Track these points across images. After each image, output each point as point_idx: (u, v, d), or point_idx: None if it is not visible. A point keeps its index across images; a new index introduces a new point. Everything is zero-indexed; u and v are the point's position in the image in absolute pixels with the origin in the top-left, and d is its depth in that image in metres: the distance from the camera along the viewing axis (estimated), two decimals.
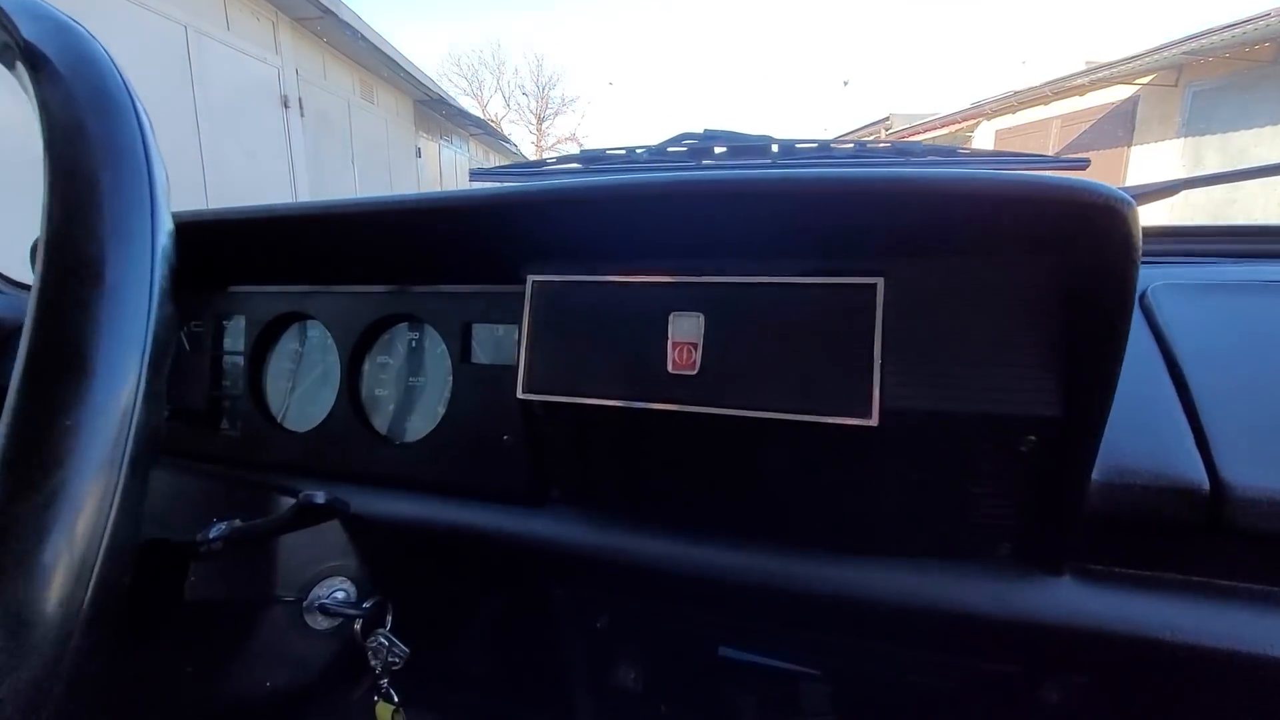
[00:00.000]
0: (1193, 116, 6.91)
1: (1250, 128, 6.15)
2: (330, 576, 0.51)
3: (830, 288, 0.43)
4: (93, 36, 0.26)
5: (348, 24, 6.84)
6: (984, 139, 9.83)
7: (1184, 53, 6.24)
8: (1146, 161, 7.27)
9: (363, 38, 7.22)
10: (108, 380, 0.19)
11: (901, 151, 0.61)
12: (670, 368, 0.47)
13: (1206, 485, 0.39)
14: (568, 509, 0.56)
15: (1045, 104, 8.55)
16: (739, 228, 0.45)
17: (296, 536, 0.49)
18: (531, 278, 0.52)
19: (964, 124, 10.01)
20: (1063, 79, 7.80)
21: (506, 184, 0.51)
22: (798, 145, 0.64)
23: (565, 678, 0.63)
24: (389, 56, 7.97)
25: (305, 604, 0.48)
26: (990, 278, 0.41)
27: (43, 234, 0.21)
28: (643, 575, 0.53)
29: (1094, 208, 0.33)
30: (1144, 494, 0.40)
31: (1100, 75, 7.25)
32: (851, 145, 0.63)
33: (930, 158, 0.60)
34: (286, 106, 6.78)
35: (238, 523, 0.40)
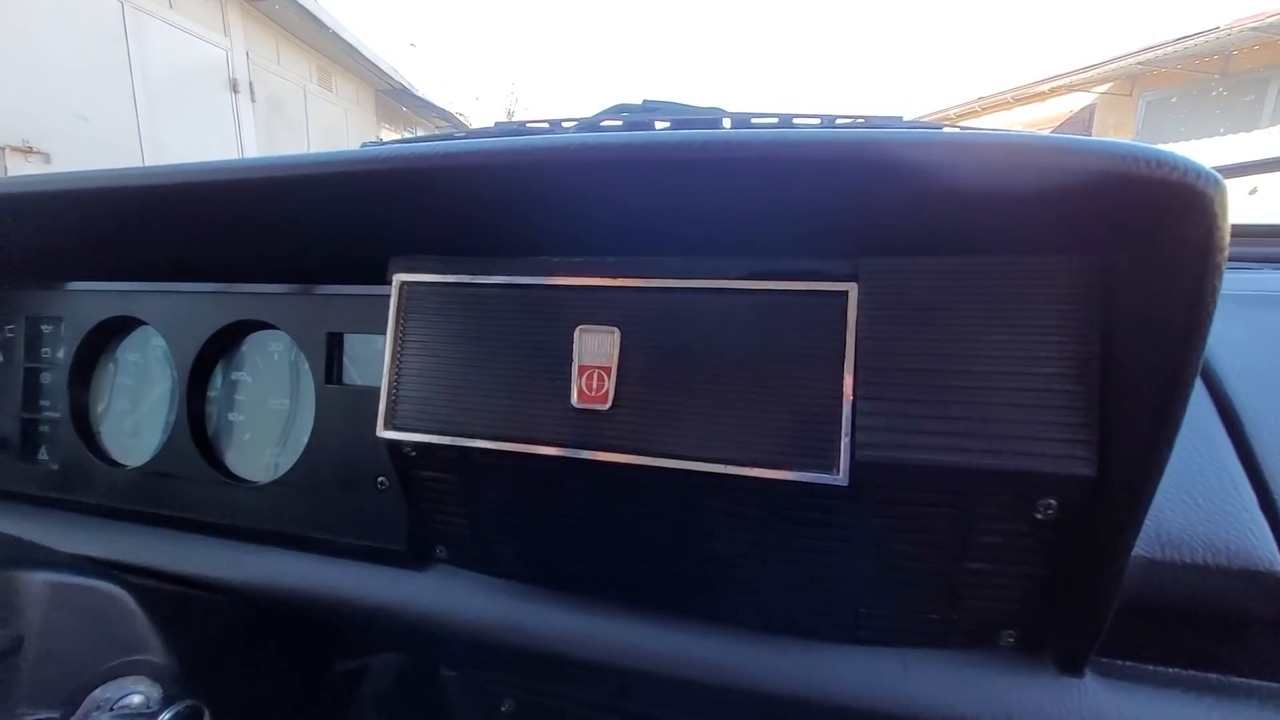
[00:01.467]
0: (1146, 125, 7.12)
1: (1199, 137, 6.33)
2: (121, 676, 0.37)
3: (787, 295, 0.32)
4: None
5: (302, 6, 6.54)
6: None
7: (1138, 63, 6.40)
8: None
9: (319, 21, 6.91)
10: None
11: (878, 125, 0.50)
12: (575, 400, 0.35)
13: (1273, 561, 0.29)
14: (454, 570, 0.44)
15: (1008, 109, 8.70)
16: (669, 213, 0.34)
17: (68, 619, 0.36)
18: (399, 277, 0.39)
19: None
20: (1024, 85, 7.94)
21: (380, 152, 0.38)
22: (753, 119, 0.53)
23: None
24: (348, 43, 7.66)
25: (74, 719, 0.34)
26: (1002, 285, 0.30)
27: None
28: (547, 655, 0.41)
29: (1166, 186, 0.23)
30: (1197, 576, 0.30)
31: (1059, 82, 7.40)
32: (818, 119, 0.53)
33: (913, 130, 0.49)
34: (236, 91, 6.45)
35: None
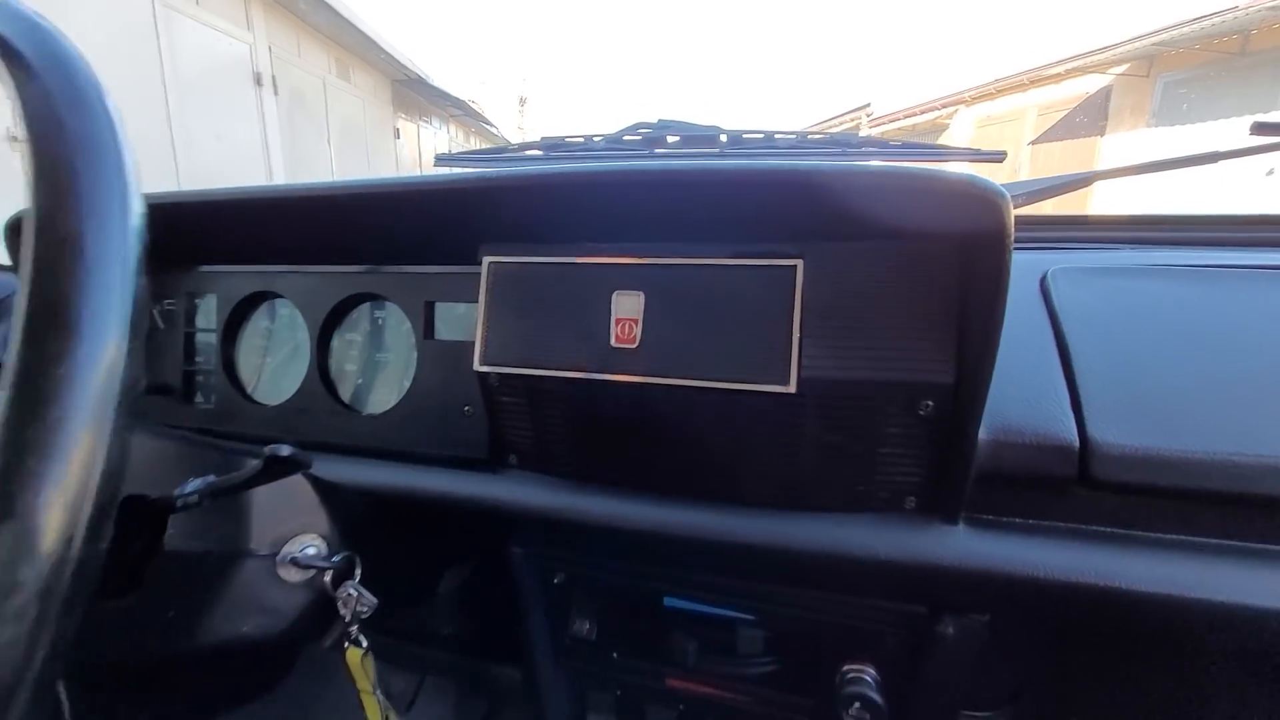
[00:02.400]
0: (1163, 107, 7.07)
1: (1217, 119, 6.30)
2: (301, 534, 0.54)
3: (755, 269, 0.48)
4: (64, 35, 0.29)
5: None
6: (963, 126, 9.93)
7: (1155, 44, 6.36)
8: (1117, 151, 7.41)
9: (338, 14, 7.06)
10: (93, 338, 0.23)
11: (838, 143, 0.65)
12: (613, 341, 0.51)
13: (1077, 443, 0.45)
14: (523, 473, 0.60)
15: (1024, 91, 8.65)
16: (676, 214, 0.50)
17: (267, 497, 0.53)
18: (488, 259, 0.56)
19: (944, 110, 10.09)
20: (1040, 67, 7.90)
21: (469, 169, 0.55)
22: (744, 135, 0.68)
23: (525, 630, 0.68)
24: (365, 34, 7.81)
25: (278, 558, 0.52)
26: (895, 261, 0.45)
27: (33, 214, 0.24)
28: (593, 532, 0.57)
29: (978, 197, 0.38)
30: (1024, 451, 0.46)
31: (1075, 64, 7.36)
32: (794, 136, 0.68)
33: (865, 149, 0.64)
34: (260, 84, 6.63)
35: (212, 479, 0.43)
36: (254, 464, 0.42)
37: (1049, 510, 0.48)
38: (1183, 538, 0.46)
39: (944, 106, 9.96)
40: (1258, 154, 0.60)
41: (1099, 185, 0.64)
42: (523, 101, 24.26)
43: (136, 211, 0.26)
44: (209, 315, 0.73)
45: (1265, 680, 0.63)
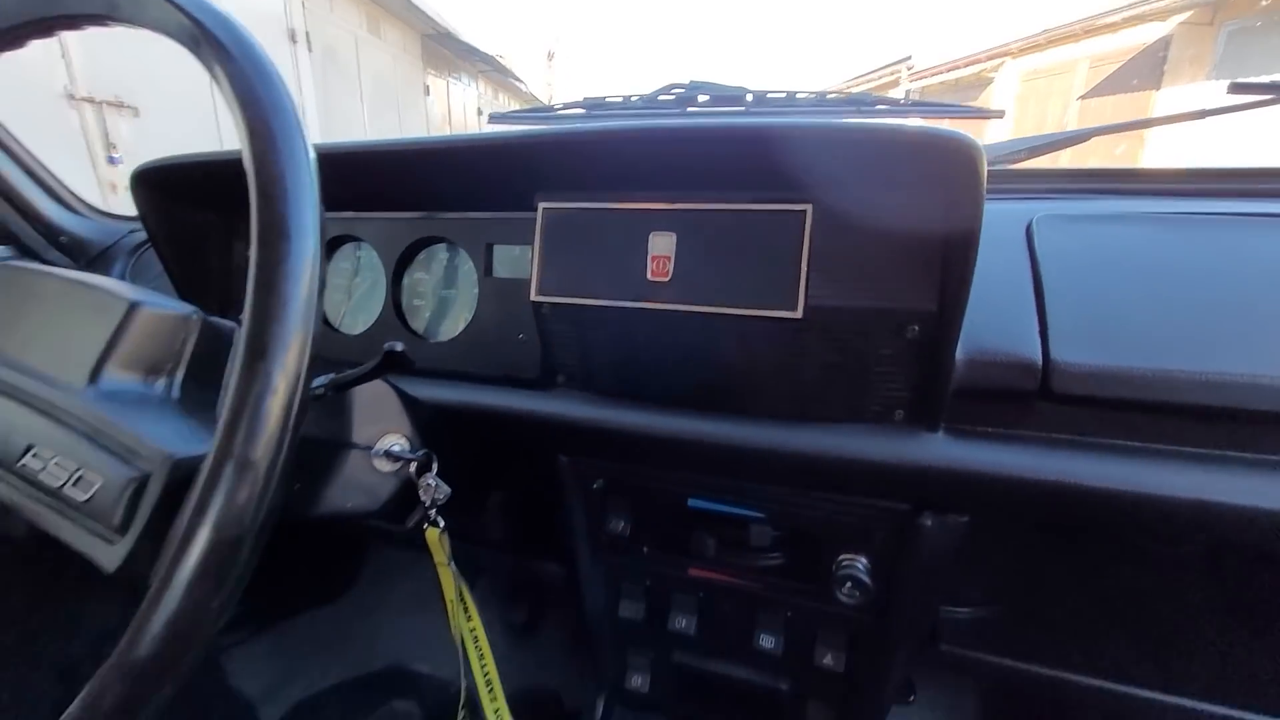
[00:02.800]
0: (1225, 58, 6.67)
1: None
2: (389, 434, 0.66)
3: (771, 213, 0.56)
4: (242, 25, 0.39)
5: None
6: (1008, 80, 9.51)
7: None
8: (1174, 106, 7.05)
9: None
10: (300, 242, 0.33)
11: (854, 101, 0.72)
12: (649, 276, 0.60)
13: (1040, 362, 0.53)
14: (569, 391, 0.71)
15: (1076, 41, 8.22)
16: (704, 165, 0.58)
17: (365, 403, 0.64)
18: (542, 205, 0.65)
19: (988, 63, 9.66)
20: (1094, 16, 7.49)
21: (521, 127, 0.64)
22: (768, 95, 0.75)
23: (568, 530, 0.80)
24: None
25: (372, 451, 0.63)
26: (889, 206, 0.53)
27: (249, 165, 0.34)
28: (629, 442, 0.68)
29: (949, 151, 0.46)
30: (995, 369, 0.54)
31: (1132, 12, 6.96)
32: (814, 95, 0.74)
33: (878, 106, 0.71)
34: (294, 41, 6.69)
35: (333, 375, 0.55)
36: (372, 361, 0.53)
37: (1016, 420, 0.56)
38: (1131, 443, 0.54)
39: (988, 59, 9.53)
40: (1245, 110, 0.66)
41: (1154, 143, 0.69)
42: (550, 57, 23.84)
43: (312, 156, 0.36)
44: None
45: (1220, 574, 0.72)
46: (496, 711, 0.71)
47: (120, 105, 4.62)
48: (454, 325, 0.77)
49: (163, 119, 4.93)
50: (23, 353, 0.43)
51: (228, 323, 0.53)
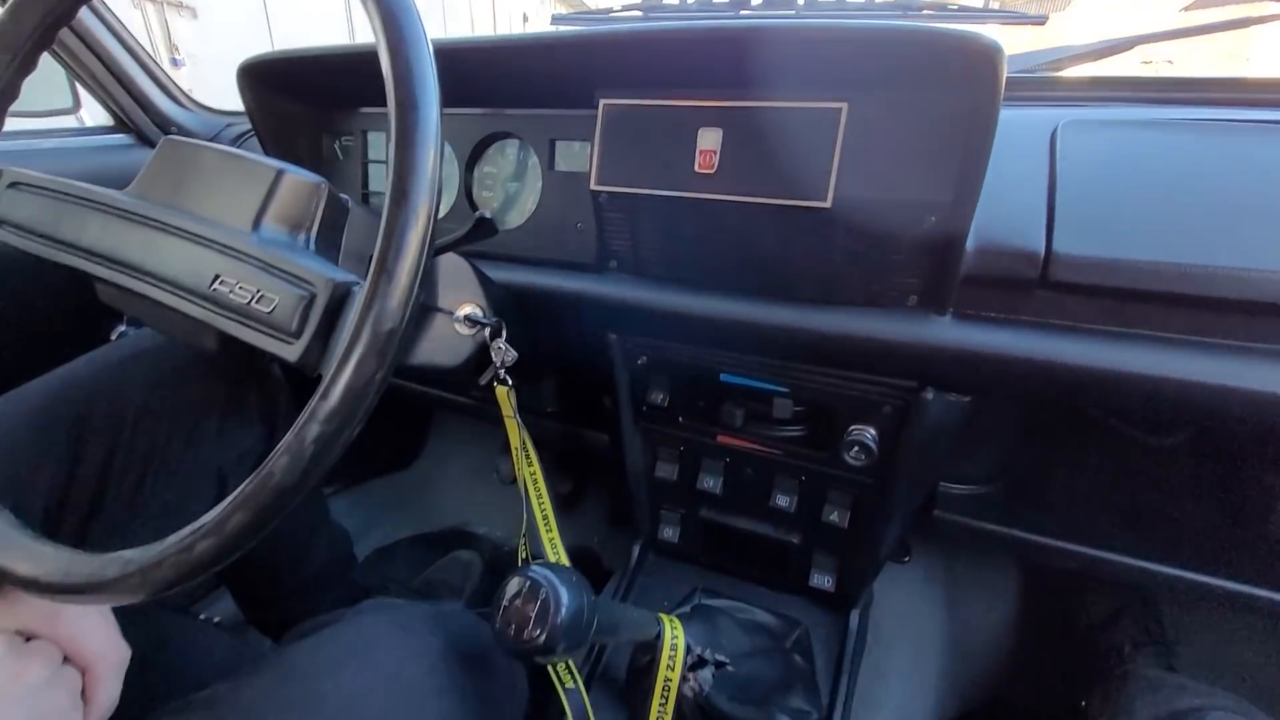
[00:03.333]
0: None
1: None
2: (468, 303, 0.77)
3: (810, 110, 0.62)
4: None
5: None
6: None
7: None
8: None
9: None
10: (427, 117, 0.42)
11: (899, 5, 0.74)
12: (697, 168, 0.68)
13: (1042, 252, 0.60)
14: (621, 275, 0.80)
15: None
16: (753, 65, 0.64)
17: (447, 275, 0.75)
18: (603, 101, 0.72)
19: None
20: None
21: (582, 28, 0.70)
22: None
23: (614, 401, 0.91)
24: None
25: (454, 315, 0.75)
26: (916, 104, 0.59)
27: (384, 52, 0.43)
28: (672, 321, 0.77)
29: (969, 52, 0.51)
30: (1000, 258, 0.61)
31: None
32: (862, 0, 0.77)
33: (924, 11, 0.73)
34: None
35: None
36: (466, 226, 0.63)
37: (1017, 307, 0.64)
38: (1120, 329, 0.61)
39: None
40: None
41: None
42: None
43: (431, 46, 0.44)
44: (378, 149, 0.94)
45: (1201, 465, 0.80)
46: (551, 540, 0.86)
47: (180, 5, 4.67)
48: (520, 215, 0.86)
49: (218, 20, 4.98)
50: (197, 207, 0.55)
51: (342, 195, 0.63)
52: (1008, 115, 0.58)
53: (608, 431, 0.99)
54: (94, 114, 1.13)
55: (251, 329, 0.48)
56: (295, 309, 0.46)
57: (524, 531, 0.89)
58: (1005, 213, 0.62)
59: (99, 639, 0.53)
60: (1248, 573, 0.76)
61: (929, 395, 0.70)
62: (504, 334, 0.78)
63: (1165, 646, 1.02)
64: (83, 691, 0.51)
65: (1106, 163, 0.63)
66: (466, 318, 0.76)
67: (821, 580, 0.92)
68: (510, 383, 0.80)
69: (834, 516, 0.84)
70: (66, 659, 0.52)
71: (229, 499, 0.41)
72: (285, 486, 0.40)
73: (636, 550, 1.06)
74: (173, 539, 0.42)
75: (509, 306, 0.84)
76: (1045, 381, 0.64)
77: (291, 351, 0.46)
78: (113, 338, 1.04)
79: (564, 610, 0.47)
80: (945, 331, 0.65)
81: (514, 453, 0.84)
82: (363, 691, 0.50)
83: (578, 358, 0.92)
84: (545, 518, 0.86)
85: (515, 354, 0.77)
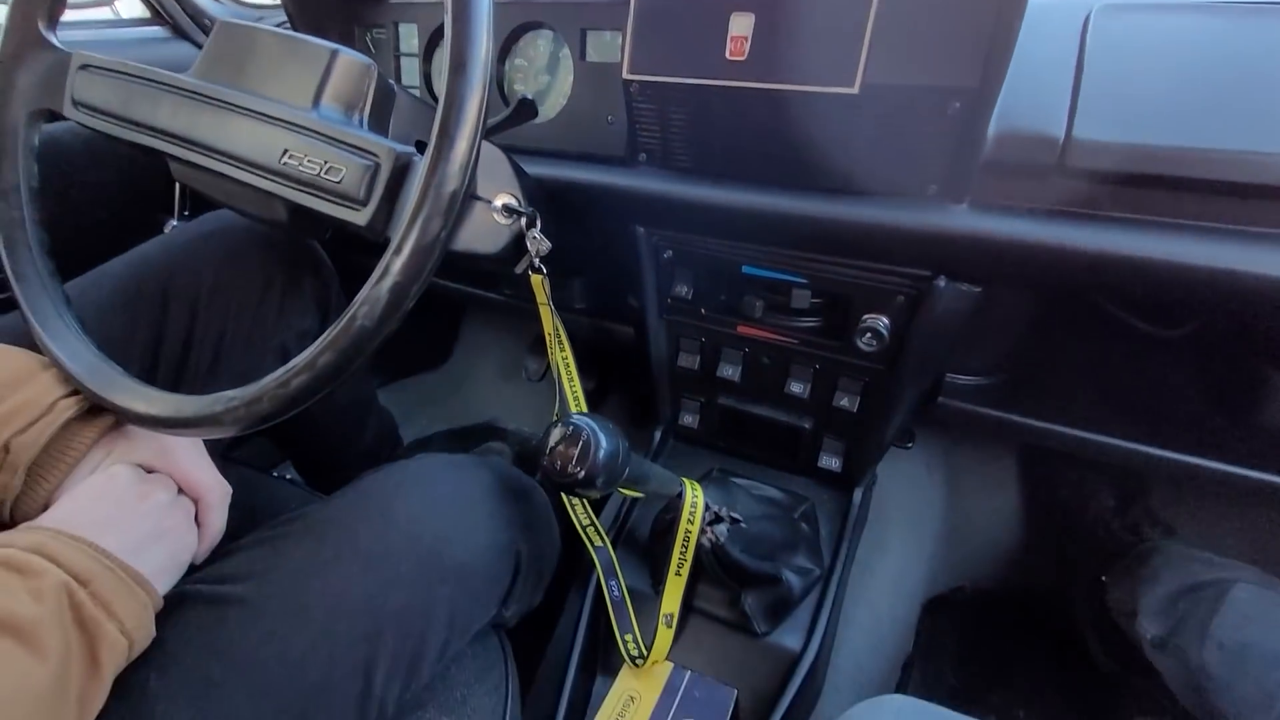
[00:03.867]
0: None
1: None
2: (504, 193, 0.81)
3: None
4: None
5: None
6: None
7: None
8: None
9: None
10: (478, 43, 0.45)
11: None
12: (728, 55, 0.69)
13: (1062, 138, 0.62)
14: (650, 168, 0.83)
15: None
16: None
17: (484, 165, 0.78)
18: None
19: None
20: None
21: None
22: None
23: (641, 294, 0.97)
24: None
25: (492, 205, 0.79)
26: None
27: None
28: (698, 213, 0.81)
29: None
30: (1020, 144, 0.63)
31: None
32: None
33: None
34: None
35: None
36: (509, 109, 0.66)
37: (1035, 195, 0.66)
38: (1135, 216, 0.63)
39: None
40: None
41: None
42: None
43: None
44: (410, 41, 0.95)
45: (1205, 359, 0.84)
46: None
47: None
48: (552, 107, 0.88)
49: None
50: (260, 87, 0.59)
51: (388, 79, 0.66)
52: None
53: (633, 325, 1.04)
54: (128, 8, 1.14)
55: (322, 199, 0.53)
56: (362, 178, 0.51)
57: (556, 413, 0.97)
58: (1028, 99, 0.64)
59: (207, 475, 0.62)
60: (1238, 456, 0.82)
61: (941, 284, 0.74)
62: (538, 224, 0.83)
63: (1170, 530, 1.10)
64: (195, 517, 0.61)
65: (1138, 48, 0.63)
66: (505, 207, 0.80)
67: (829, 461, 1.00)
68: (545, 271, 0.85)
69: (844, 402, 0.91)
70: (181, 491, 0.62)
71: (318, 342, 0.48)
72: (365, 329, 0.46)
73: (658, 435, 1.14)
74: (270, 378, 0.50)
75: (541, 199, 0.88)
76: (1058, 269, 0.67)
77: (360, 217, 0.51)
78: (165, 230, 1.10)
79: (603, 450, 0.54)
80: (962, 220, 0.68)
81: (548, 339, 0.91)
82: (427, 509, 0.60)
83: (605, 254, 0.97)
84: (576, 398, 0.94)
85: (549, 244, 0.82)
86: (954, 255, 0.71)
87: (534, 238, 0.82)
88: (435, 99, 0.95)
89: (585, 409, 0.94)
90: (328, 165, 0.52)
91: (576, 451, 0.55)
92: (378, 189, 0.51)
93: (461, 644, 0.59)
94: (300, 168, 0.54)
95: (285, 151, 0.54)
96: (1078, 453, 0.90)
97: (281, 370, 0.49)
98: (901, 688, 1.10)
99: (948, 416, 0.93)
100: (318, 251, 0.92)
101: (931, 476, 1.23)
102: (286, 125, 0.55)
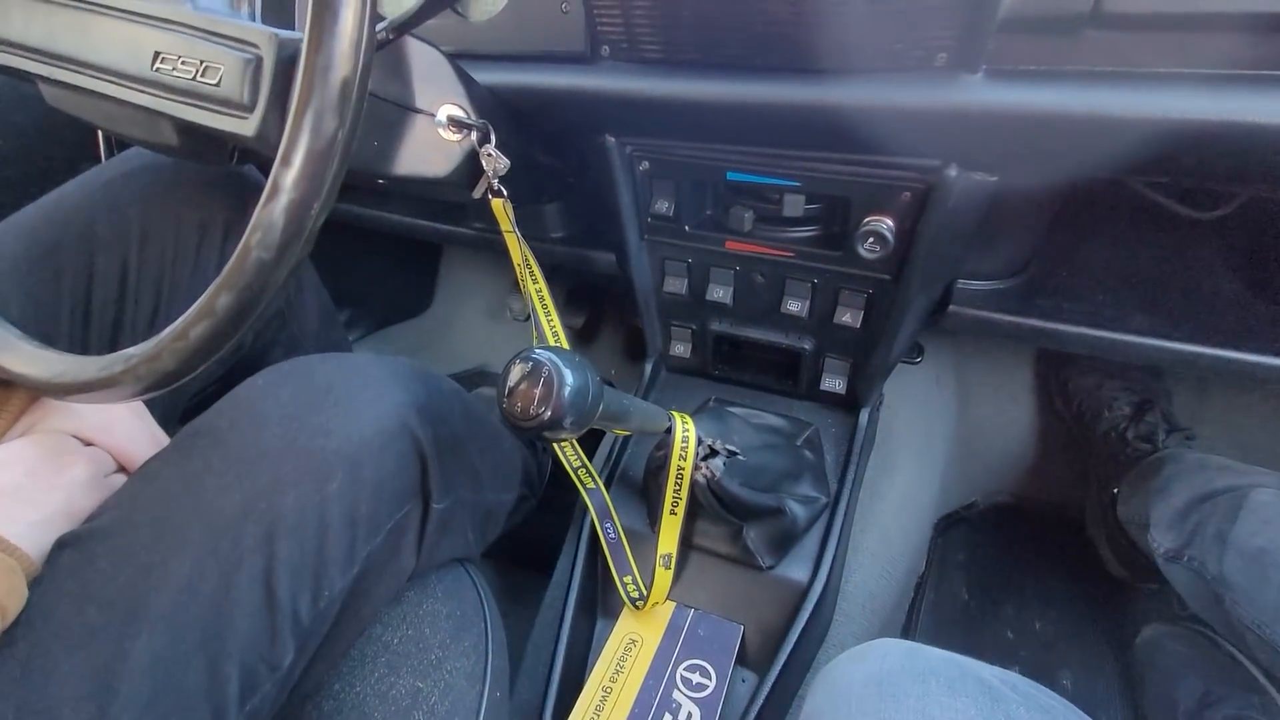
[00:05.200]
0: None
1: None
2: (448, 103, 0.71)
3: None
4: None
5: None
6: None
7: None
8: None
9: None
10: None
11: None
12: None
13: None
14: (616, 64, 0.72)
15: None
16: None
17: (421, 70, 0.68)
18: None
19: None
20: None
21: None
22: None
23: (616, 214, 0.87)
24: None
25: (436, 118, 0.69)
26: None
27: None
28: (674, 112, 0.71)
29: None
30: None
31: None
32: None
33: None
34: None
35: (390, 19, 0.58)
36: None
37: (1062, 56, 0.56)
38: (1177, 70, 0.53)
39: None
40: None
41: None
42: None
43: None
44: None
45: (1246, 238, 0.75)
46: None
47: None
48: (493, 5, 0.76)
49: None
50: None
51: None
52: None
53: (614, 250, 0.96)
54: None
55: (202, 109, 0.44)
56: (243, 76, 0.42)
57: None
58: None
59: (146, 451, 0.55)
60: (1270, 346, 0.74)
61: (953, 174, 0.65)
62: (493, 139, 0.73)
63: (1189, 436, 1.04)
64: None
65: None
66: (450, 119, 0.70)
67: (833, 383, 0.93)
68: (505, 193, 0.76)
69: (846, 318, 0.83)
70: (122, 470, 0.56)
71: (213, 285, 0.40)
72: (264, 261, 0.38)
73: (649, 368, 1.08)
74: (166, 331, 0.42)
75: (496, 110, 0.78)
76: (1092, 145, 0.58)
77: (248, 126, 0.42)
78: None
79: (568, 387, 0.47)
80: (977, 92, 0.58)
81: (518, 270, 0.82)
82: (303, 405, 0.53)
83: (583, 173, 0.87)
84: (555, 333, 0.86)
85: (507, 161, 0.72)
86: (967, 137, 0.62)
87: (489, 155, 0.72)
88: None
89: (566, 344, 0.87)
90: (204, 65, 0.43)
91: (539, 391, 0.47)
92: (263, 88, 0.42)
93: (374, 542, 0.53)
94: (175, 73, 0.44)
95: (157, 55, 0.45)
96: (1101, 355, 0.83)
97: (179, 321, 0.41)
98: (914, 608, 1.08)
99: (959, 326, 0.86)
100: (264, 184, 0.83)
101: (941, 392, 1.17)
102: (156, 22, 0.45)
